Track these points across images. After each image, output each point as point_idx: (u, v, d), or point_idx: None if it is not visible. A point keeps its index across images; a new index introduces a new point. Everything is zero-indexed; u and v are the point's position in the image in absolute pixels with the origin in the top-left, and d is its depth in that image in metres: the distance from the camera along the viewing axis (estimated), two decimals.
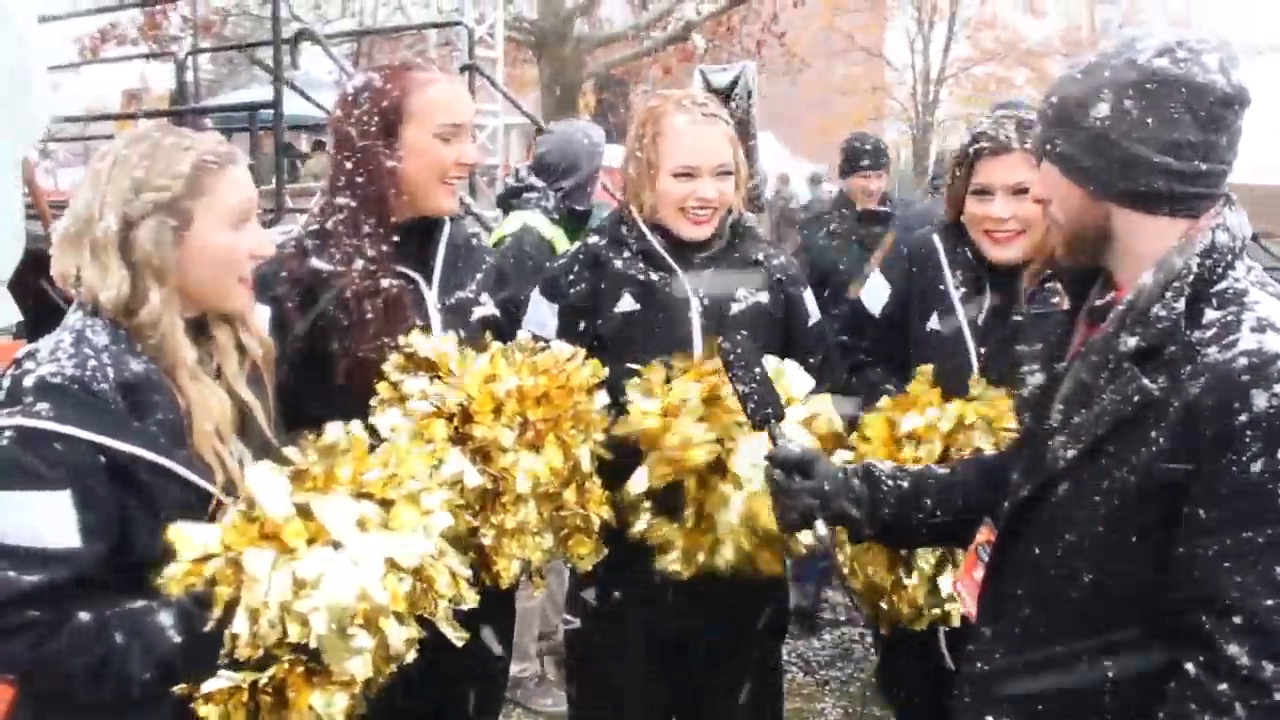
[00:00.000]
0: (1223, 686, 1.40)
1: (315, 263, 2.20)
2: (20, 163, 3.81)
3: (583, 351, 2.23)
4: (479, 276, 2.42)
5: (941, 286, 2.63)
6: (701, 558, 2.24)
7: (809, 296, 2.66)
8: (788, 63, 17.90)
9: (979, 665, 1.75)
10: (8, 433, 1.58)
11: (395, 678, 1.71)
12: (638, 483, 2.24)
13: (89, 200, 1.71)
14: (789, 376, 2.33)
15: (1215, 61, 1.52)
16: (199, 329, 1.82)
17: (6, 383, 1.64)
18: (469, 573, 1.85)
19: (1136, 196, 1.57)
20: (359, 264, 2.18)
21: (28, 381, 1.61)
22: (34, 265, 3.81)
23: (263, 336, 1.94)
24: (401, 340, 2.12)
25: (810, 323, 2.65)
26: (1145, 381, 1.50)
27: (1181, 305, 1.51)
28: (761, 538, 2.22)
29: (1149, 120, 1.53)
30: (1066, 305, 1.82)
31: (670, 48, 14.92)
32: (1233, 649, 1.40)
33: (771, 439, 2.04)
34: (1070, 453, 1.58)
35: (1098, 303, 1.67)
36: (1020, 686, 1.66)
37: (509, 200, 4.14)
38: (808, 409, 2.30)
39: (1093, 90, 1.56)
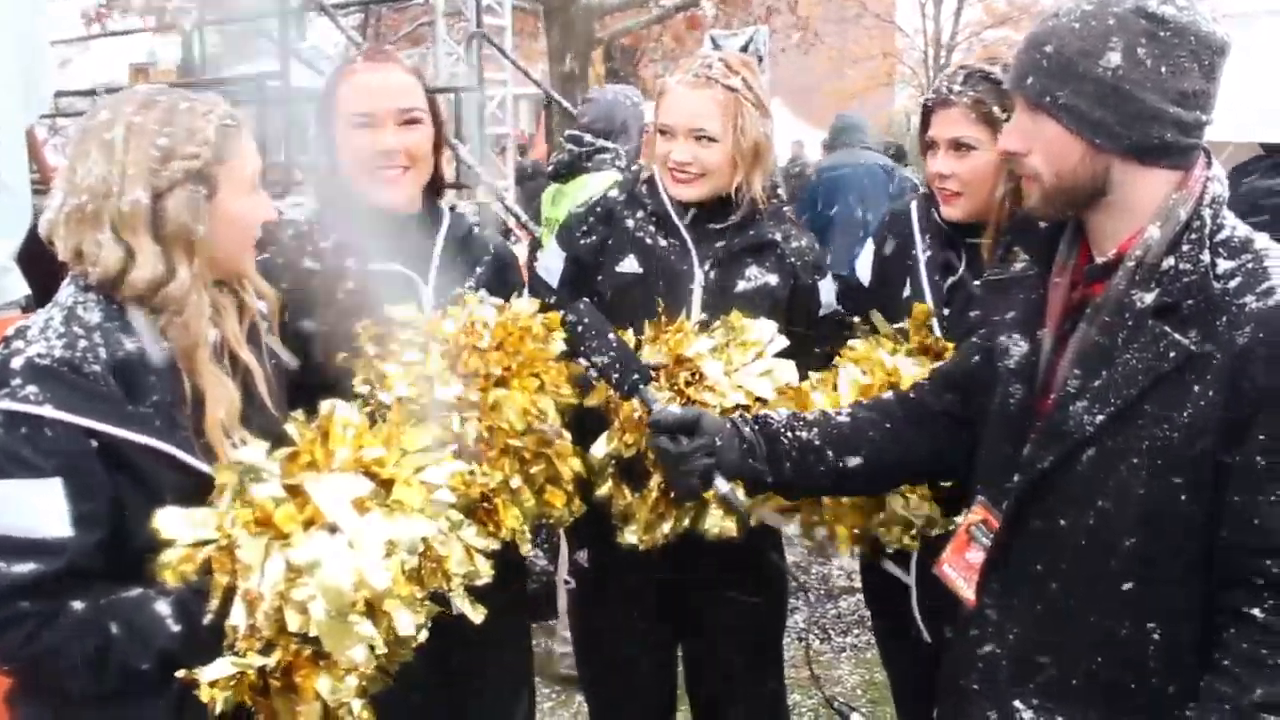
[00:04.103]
0: None
1: (308, 256, 2.19)
2: (24, 135, 3.78)
3: (537, 304, 2.16)
4: (479, 270, 2.34)
5: (914, 252, 2.54)
6: (667, 528, 2.19)
7: (826, 285, 2.57)
8: (802, 36, 17.75)
9: (987, 649, 1.70)
10: None
11: (410, 659, 1.66)
12: (598, 447, 2.20)
13: (104, 173, 1.59)
14: (753, 329, 2.26)
15: (1208, 10, 1.50)
16: None
17: None
18: (483, 544, 1.80)
19: (1144, 149, 1.54)
20: (325, 245, 2.18)
21: (15, 363, 1.53)
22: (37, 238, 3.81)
23: (261, 286, 1.88)
24: (364, 322, 2.06)
25: (822, 312, 2.56)
26: (1178, 337, 1.48)
27: (1206, 257, 1.49)
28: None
29: (1162, 69, 1.49)
30: (1020, 267, 1.79)
31: (679, 15, 14.78)
32: None
33: (644, 405, 1.96)
34: (1099, 417, 1.54)
35: (1099, 260, 1.62)
36: (1052, 665, 1.62)
37: (579, 165, 4.00)
38: (768, 363, 2.23)
39: (1100, 38, 1.51)
